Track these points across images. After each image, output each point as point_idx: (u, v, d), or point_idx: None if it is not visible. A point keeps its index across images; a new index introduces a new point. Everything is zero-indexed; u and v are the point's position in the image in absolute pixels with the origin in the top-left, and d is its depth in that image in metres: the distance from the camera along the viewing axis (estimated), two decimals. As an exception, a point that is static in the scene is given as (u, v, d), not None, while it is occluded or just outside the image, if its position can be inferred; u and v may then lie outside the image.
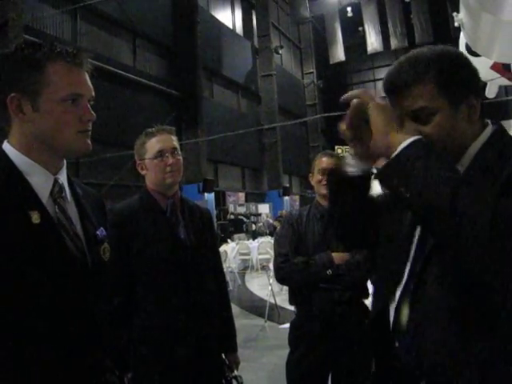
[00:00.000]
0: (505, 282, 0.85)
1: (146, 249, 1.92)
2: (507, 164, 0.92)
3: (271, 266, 7.23)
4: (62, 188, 1.20)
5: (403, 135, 0.95)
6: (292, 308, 2.68)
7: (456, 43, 6.90)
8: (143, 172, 2.05)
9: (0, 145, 1.20)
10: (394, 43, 22.10)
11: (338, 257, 2.39)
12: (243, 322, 6.66)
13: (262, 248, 12.14)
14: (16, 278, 1.04)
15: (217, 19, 18.94)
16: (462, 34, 6.31)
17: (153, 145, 1.99)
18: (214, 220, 14.32)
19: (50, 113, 1.14)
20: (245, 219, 18.23)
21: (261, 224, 18.56)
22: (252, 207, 19.66)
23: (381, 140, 0.97)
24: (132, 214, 1.98)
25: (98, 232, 1.26)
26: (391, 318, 1.09)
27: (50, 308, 1.09)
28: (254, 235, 16.62)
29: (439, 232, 0.89)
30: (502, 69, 6.45)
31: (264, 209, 19.67)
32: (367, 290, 2.54)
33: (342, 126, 1.09)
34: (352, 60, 26.54)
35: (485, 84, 6.91)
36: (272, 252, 10.87)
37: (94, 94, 1.22)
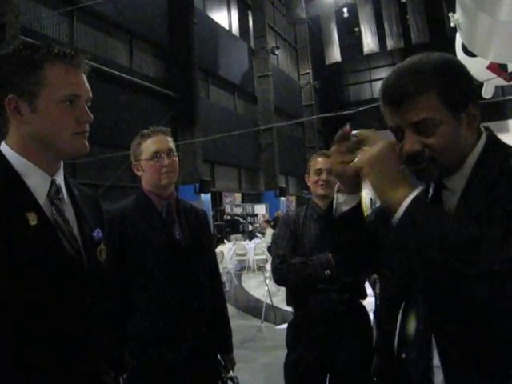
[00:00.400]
0: None
1: (141, 250, 1.92)
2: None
3: (268, 266, 7.24)
4: (59, 189, 1.21)
5: (402, 193, 0.97)
6: (289, 309, 2.68)
7: (452, 43, 6.92)
8: (139, 173, 2.05)
9: None
10: (390, 44, 22.13)
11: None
12: (240, 323, 6.66)
13: (258, 249, 12.15)
14: (13, 280, 1.04)
15: (213, 20, 18.93)
16: (458, 34, 6.33)
17: (148, 146, 2.00)
18: (211, 221, 14.32)
19: (48, 114, 1.14)
20: (241, 220, 18.22)
21: (257, 225, 18.55)
22: (248, 208, 19.65)
23: (379, 194, 1.01)
24: (128, 215, 1.98)
25: (94, 233, 1.26)
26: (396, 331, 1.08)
27: (47, 309, 1.09)
28: (251, 236, 16.62)
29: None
30: (499, 69, 6.47)
31: (260, 209, 19.67)
32: (365, 290, 2.54)
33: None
34: (348, 61, 26.57)
35: (481, 84, 6.94)
36: (267, 253, 10.90)
37: (91, 95, 1.22)
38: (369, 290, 2.71)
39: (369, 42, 22.41)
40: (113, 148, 11.79)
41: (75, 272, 1.15)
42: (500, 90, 18.43)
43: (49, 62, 1.15)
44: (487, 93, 7.17)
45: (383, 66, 27.80)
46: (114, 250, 1.56)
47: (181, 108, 15.02)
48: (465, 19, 5.21)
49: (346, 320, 2.38)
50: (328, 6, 23.99)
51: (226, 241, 13.95)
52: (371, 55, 24.56)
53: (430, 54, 1.07)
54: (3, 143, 1.19)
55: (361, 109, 13.37)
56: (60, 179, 1.23)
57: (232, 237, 15.41)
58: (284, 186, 21.42)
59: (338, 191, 1.21)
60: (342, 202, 1.20)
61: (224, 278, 9.34)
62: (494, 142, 1.06)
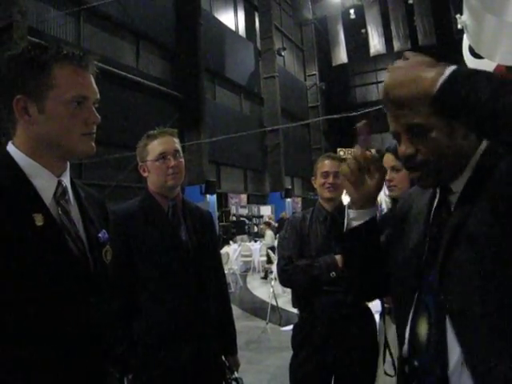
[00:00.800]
0: None
1: (147, 251, 1.92)
2: None
3: (274, 268, 7.23)
4: (65, 190, 1.21)
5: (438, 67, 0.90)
6: (293, 310, 2.67)
7: (459, 45, 6.89)
8: (145, 174, 2.05)
9: (4, 146, 1.20)
10: (396, 45, 22.07)
11: (341, 259, 2.38)
12: (245, 324, 6.66)
13: (263, 250, 12.15)
14: (19, 280, 1.04)
15: (219, 21, 18.96)
16: (465, 36, 6.30)
17: (155, 147, 2.00)
18: (216, 222, 14.33)
19: (56, 115, 1.15)
20: (247, 221, 18.23)
21: (262, 226, 18.55)
22: (254, 209, 19.65)
23: (415, 78, 0.91)
24: (134, 216, 1.98)
25: (100, 234, 1.26)
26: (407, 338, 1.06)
27: (52, 310, 1.09)
28: (256, 237, 16.61)
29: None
30: (506, 71, 6.43)
31: (266, 211, 19.65)
32: None
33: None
34: (354, 62, 26.54)
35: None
36: (272, 254, 10.89)
37: (98, 96, 1.22)
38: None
39: (375, 44, 22.37)
40: (119, 148, 11.83)
41: (81, 273, 1.16)
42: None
43: (57, 63, 1.15)
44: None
45: (390, 68, 27.67)
46: (119, 251, 1.56)
47: (187, 109, 15.05)
48: (472, 21, 5.18)
49: (351, 322, 2.37)
50: (335, 7, 23.98)
51: (231, 242, 13.96)
52: (378, 57, 24.49)
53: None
54: (10, 144, 1.19)
55: (367, 110, 13.35)
56: (66, 180, 1.23)
57: (238, 237, 15.41)
58: (290, 187, 21.40)
59: (349, 207, 1.23)
60: (352, 217, 1.22)
61: (229, 279, 9.34)
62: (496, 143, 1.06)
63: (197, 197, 13.30)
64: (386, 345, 1.36)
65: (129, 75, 13.10)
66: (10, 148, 1.18)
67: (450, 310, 0.97)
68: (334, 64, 24.64)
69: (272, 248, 11.68)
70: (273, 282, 7.36)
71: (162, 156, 1.98)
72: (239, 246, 12.77)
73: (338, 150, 13.90)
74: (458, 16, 5.71)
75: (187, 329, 1.90)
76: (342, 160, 2.60)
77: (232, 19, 20.55)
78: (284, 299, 7.44)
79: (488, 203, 0.95)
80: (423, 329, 1.03)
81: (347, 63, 24.59)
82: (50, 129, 1.15)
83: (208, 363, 1.95)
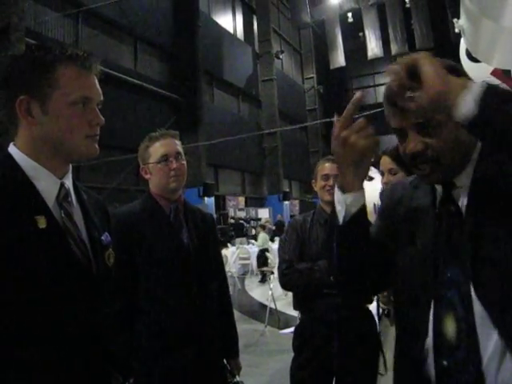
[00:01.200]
0: None
1: (149, 253, 1.91)
2: None
3: (274, 270, 7.22)
4: (67, 193, 1.20)
5: (463, 80, 0.90)
6: (292, 313, 2.68)
7: (456, 49, 6.92)
8: (147, 176, 2.04)
9: (6, 147, 1.19)
10: (394, 49, 22.11)
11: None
12: (243, 327, 6.63)
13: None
14: (21, 282, 1.03)
15: (218, 24, 18.98)
16: (462, 39, 6.33)
17: (157, 149, 1.99)
18: (214, 224, 14.26)
19: (60, 116, 1.13)
20: (245, 224, 18.21)
21: (258, 229, 18.51)
22: (252, 212, 19.64)
23: (438, 85, 0.88)
24: (135, 219, 1.97)
25: (103, 237, 1.25)
26: (429, 339, 1.03)
27: (54, 313, 1.08)
28: (253, 239, 16.58)
29: None
30: (503, 75, 6.45)
31: (264, 213, 19.65)
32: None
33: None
34: (352, 65, 26.56)
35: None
36: (271, 256, 10.88)
37: (102, 98, 1.22)
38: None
39: (373, 47, 22.41)
40: (116, 151, 11.79)
41: (84, 276, 1.15)
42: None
43: (61, 64, 1.14)
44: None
45: (387, 71, 27.76)
46: (120, 253, 1.55)
47: (185, 111, 15.04)
48: (469, 25, 5.21)
49: (351, 324, 2.38)
50: (333, 10, 24.00)
51: (229, 244, 13.94)
52: (375, 60, 24.52)
53: None
54: (12, 145, 1.17)
55: (365, 114, 13.38)
56: (69, 182, 1.22)
57: (237, 240, 15.38)
58: (287, 190, 21.40)
59: (340, 189, 1.11)
60: (350, 203, 1.09)
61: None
62: None
63: (194, 199, 13.28)
64: (380, 347, 1.34)
65: (127, 77, 13.08)
66: (12, 149, 1.16)
67: (488, 303, 0.96)
68: (331, 67, 24.63)
69: (264, 250, 11.67)
70: (271, 285, 7.35)
71: (164, 158, 1.97)
72: (237, 248, 12.76)
73: (336, 152, 13.94)
74: (455, 20, 5.74)
75: (189, 331, 1.89)
76: None
77: (230, 22, 20.57)
78: (282, 302, 7.43)
79: (500, 200, 0.95)
80: (451, 326, 1.00)
81: (345, 66, 24.58)
82: (53, 130, 1.14)
83: (209, 366, 1.94)
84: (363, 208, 1.11)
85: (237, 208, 18.96)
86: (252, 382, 4.21)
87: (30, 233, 1.06)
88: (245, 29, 21.58)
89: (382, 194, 1.31)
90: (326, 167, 2.53)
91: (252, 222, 19.00)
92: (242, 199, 19.77)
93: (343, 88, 29.79)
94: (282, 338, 5.79)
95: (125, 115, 12.44)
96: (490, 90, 0.86)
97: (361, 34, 23.40)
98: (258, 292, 9.92)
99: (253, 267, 12.39)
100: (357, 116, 1.13)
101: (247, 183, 20.74)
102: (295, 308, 2.61)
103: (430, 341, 1.03)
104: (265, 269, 9.78)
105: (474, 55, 5.66)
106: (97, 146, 1.21)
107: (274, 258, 10.72)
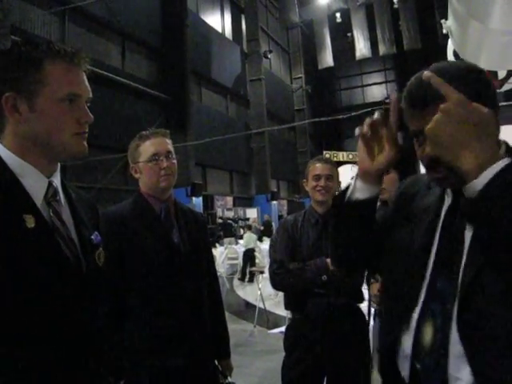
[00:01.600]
0: None
1: (139, 253, 1.88)
2: None
3: (266, 270, 7.21)
4: (56, 191, 1.17)
5: (483, 154, 0.89)
6: (281, 313, 2.68)
7: (444, 50, 6.97)
8: (137, 175, 2.01)
9: None
10: (382, 49, 22.28)
11: (330, 260, 2.37)
12: (232, 327, 6.55)
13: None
14: (10, 282, 1.01)
15: (206, 23, 18.94)
16: (449, 41, 6.38)
17: (147, 148, 1.96)
18: (203, 224, 14.22)
19: (47, 113, 1.11)
20: (233, 224, 18.19)
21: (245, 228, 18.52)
22: (240, 211, 19.64)
23: (455, 152, 0.91)
24: (125, 218, 1.94)
25: (92, 237, 1.23)
26: (408, 341, 1.06)
27: (44, 313, 1.06)
28: (240, 239, 16.57)
29: None
30: (490, 76, 6.51)
31: (252, 213, 19.67)
32: (362, 294, 2.55)
33: (357, 131, 1.09)
34: (340, 65, 26.70)
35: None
36: (259, 256, 10.88)
37: (91, 95, 1.19)
38: (366, 294, 2.71)
39: (361, 48, 22.57)
40: (104, 150, 11.71)
41: (73, 276, 1.12)
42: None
43: (49, 60, 1.11)
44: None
45: (375, 72, 27.98)
46: (110, 253, 1.53)
47: (173, 111, 15.00)
48: (457, 26, 5.25)
49: (342, 323, 2.38)
50: (321, 10, 24.14)
51: (217, 244, 13.91)
52: (363, 60, 24.73)
53: (452, 62, 1.10)
54: None
55: (353, 114, 13.44)
56: (57, 181, 1.19)
57: (225, 240, 15.36)
58: (275, 190, 21.43)
59: (358, 178, 1.19)
60: (359, 188, 1.18)
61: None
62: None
63: (182, 199, 13.23)
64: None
65: (114, 76, 12.99)
66: None
67: (465, 331, 0.96)
68: (320, 67, 24.77)
69: (251, 250, 11.65)
70: (260, 285, 7.34)
71: (155, 157, 1.94)
72: (226, 248, 12.74)
73: (324, 152, 13.98)
74: (443, 21, 5.78)
75: (180, 333, 1.87)
76: (333, 163, 2.60)
77: (219, 21, 20.54)
78: (271, 302, 7.43)
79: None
80: (428, 333, 1.03)
81: (333, 66, 24.74)
82: (41, 127, 1.11)
83: (201, 367, 1.92)
84: (370, 201, 1.19)
85: (225, 208, 18.94)
86: (241, 382, 4.18)
87: (18, 232, 1.04)
88: (233, 28, 21.58)
89: (402, 183, 1.33)
90: (318, 167, 2.52)
91: (240, 221, 19.00)
92: (230, 199, 19.76)
93: (331, 88, 29.93)
94: (271, 337, 5.78)
95: (112, 115, 12.36)
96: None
97: (349, 34, 23.56)
98: (246, 292, 9.91)
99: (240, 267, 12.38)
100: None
101: (235, 183, 20.74)
102: (286, 308, 2.60)
103: (409, 341, 1.06)
104: (254, 269, 9.77)
105: (461, 56, 5.70)
106: (85, 143, 1.19)
107: (262, 258, 10.72)
